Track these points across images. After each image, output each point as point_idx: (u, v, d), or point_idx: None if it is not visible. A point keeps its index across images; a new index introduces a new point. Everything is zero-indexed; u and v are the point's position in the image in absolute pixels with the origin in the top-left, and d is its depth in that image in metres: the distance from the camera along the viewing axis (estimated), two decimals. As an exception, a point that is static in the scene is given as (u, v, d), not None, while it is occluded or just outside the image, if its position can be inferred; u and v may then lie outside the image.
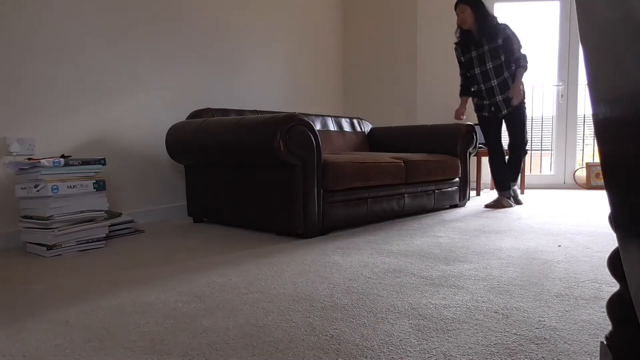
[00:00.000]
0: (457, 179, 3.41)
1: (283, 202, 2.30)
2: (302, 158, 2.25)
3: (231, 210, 2.57)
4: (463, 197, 3.50)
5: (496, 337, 1.06)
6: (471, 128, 3.47)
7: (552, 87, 5.03)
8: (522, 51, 3.24)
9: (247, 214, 2.49)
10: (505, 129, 3.44)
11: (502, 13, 5.00)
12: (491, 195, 4.37)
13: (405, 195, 2.90)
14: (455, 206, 3.49)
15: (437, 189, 3.18)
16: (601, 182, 4.89)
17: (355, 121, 3.87)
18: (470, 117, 4.97)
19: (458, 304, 1.28)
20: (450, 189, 3.33)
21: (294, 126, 2.21)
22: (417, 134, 3.62)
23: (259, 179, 2.41)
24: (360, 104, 5.31)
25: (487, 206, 3.38)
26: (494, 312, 1.22)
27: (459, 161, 3.36)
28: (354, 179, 2.47)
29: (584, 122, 5.48)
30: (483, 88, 3.35)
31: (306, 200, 2.27)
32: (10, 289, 1.49)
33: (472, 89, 3.45)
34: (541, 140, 5.31)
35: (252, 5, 3.73)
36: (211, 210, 2.71)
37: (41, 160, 1.92)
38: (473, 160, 4.98)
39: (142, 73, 2.76)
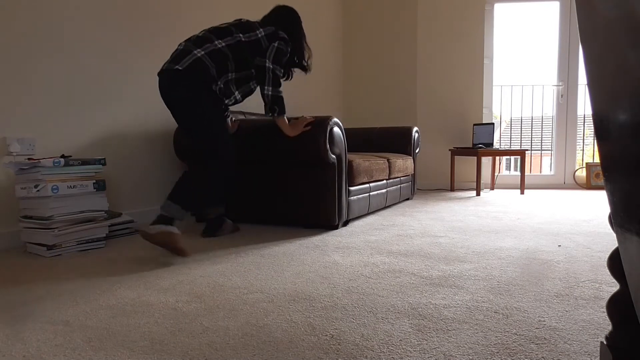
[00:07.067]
0: (410, 175, 3.80)
1: (319, 197, 2.47)
2: (338, 156, 2.47)
3: (248, 207, 2.66)
4: (413, 192, 3.94)
5: (496, 337, 1.06)
6: (417, 132, 3.90)
7: (552, 87, 5.04)
8: None
9: (270, 210, 2.60)
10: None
11: (502, 13, 5.00)
12: (491, 195, 4.37)
13: (388, 189, 3.26)
14: (408, 199, 3.93)
15: (401, 184, 3.57)
16: (601, 182, 4.89)
17: None
18: (470, 117, 4.97)
19: (458, 304, 1.28)
20: (407, 184, 3.73)
21: (332, 127, 2.40)
22: (373, 135, 3.93)
23: (290, 177, 2.53)
24: (360, 105, 5.31)
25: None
26: (494, 312, 1.22)
27: (412, 160, 3.76)
28: (365, 175, 2.75)
29: (584, 122, 5.49)
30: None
31: (339, 195, 2.49)
32: (10, 288, 1.49)
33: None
34: (541, 140, 5.30)
35: (251, 5, 3.73)
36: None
37: (41, 160, 1.92)
38: (473, 160, 4.97)
39: (142, 73, 2.76)
